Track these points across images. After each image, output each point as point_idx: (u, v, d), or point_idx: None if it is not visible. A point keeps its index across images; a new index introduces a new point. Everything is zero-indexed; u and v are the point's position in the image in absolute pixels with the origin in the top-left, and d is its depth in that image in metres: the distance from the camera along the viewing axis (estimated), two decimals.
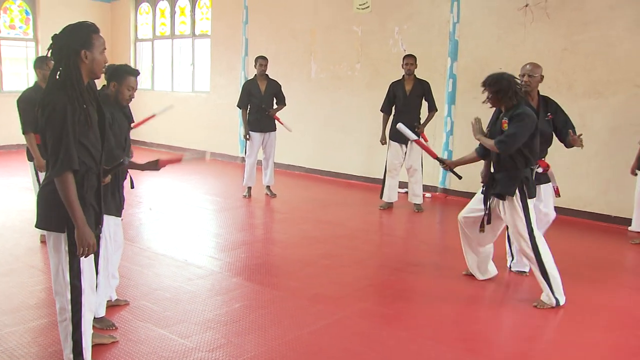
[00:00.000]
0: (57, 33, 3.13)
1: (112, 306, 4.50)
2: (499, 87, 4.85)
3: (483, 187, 5.18)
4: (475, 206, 5.30)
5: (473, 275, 5.53)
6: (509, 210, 4.92)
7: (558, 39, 8.21)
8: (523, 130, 4.73)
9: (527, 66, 5.44)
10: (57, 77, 3.09)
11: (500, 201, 4.97)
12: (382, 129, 8.46)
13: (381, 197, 8.55)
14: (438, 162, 5.43)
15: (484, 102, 5.02)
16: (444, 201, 9.29)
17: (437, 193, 9.62)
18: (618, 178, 7.54)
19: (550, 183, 5.48)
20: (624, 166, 7.18)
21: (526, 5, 8.42)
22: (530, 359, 4.06)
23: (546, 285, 4.85)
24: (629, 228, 7.14)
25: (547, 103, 5.50)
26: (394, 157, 8.35)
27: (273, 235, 7.14)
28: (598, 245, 6.97)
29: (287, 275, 5.54)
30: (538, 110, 5.33)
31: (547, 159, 5.44)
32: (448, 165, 5.38)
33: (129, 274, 5.31)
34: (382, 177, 8.62)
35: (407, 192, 8.76)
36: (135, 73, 4.28)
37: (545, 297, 4.88)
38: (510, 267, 5.75)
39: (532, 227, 4.87)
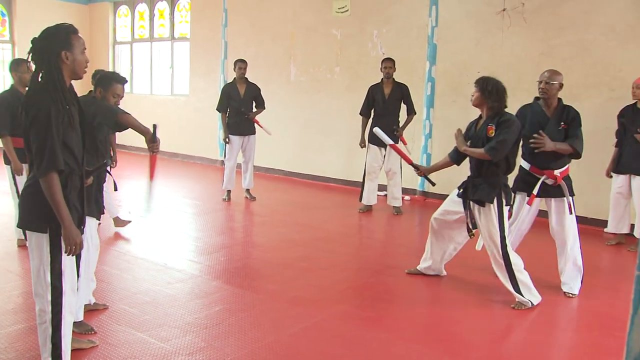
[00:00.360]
0: (36, 36, 3.13)
1: (90, 310, 4.47)
2: (485, 87, 4.92)
3: (459, 190, 5.21)
4: (449, 208, 5.35)
5: (419, 274, 5.67)
6: (484, 217, 4.96)
7: (535, 43, 8.31)
8: (512, 136, 4.78)
9: (545, 73, 5.28)
10: (40, 79, 3.10)
11: (477, 206, 5.01)
12: (361, 132, 8.49)
13: (360, 199, 8.58)
14: (412, 168, 5.45)
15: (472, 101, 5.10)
16: (423, 204, 9.35)
17: (416, 196, 9.68)
18: (594, 180, 7.64)
19: (563, 197, 5.24)
20: (600, 169, 7.28)
21: (504, 10, 8.51)
22: (509, 359, 4.10)
23: (514, 292, 4.90)
24: (605, 230, 7.23)
25: (565, 112, 5.28)
26: (373, 160, 8.39)
27: (253, 239, 7.14)
28: None
29: (267, 278, 5.54)
30: (550, 117, 5.26)
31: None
32: (422, 172, 5.44)
33: (107, 278, 5.28)
34: (361, 180, 8.65)
35: (386, 195, 8.80)
36: (123, 81, 4.32)
37: (518, 301, 4.94)
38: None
39: (504, 235, 4.89)
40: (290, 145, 11.36)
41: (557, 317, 4.80)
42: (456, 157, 5.28)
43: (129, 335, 4.17)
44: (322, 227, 7.57)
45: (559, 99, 5.31)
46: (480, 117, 5.10)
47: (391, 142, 5.79)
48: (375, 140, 8.12)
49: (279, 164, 11.60)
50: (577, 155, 5.17)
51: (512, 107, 8.54)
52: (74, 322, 3.98)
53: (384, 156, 8.34)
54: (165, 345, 4.03)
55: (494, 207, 4.89)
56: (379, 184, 8.60)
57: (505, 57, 8.60)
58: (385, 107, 8.25)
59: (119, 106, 4.36)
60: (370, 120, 8.42)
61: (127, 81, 4.39)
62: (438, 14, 9.22)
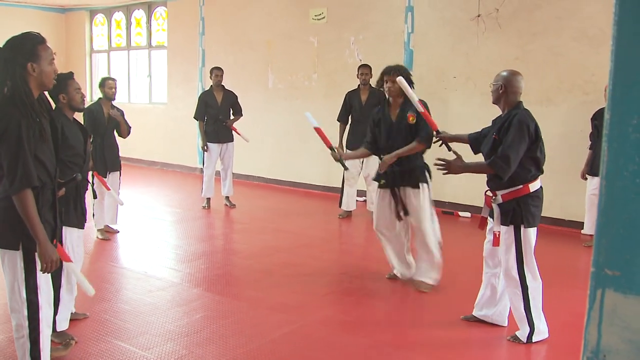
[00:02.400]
0: (1, 46, 3.05)
1: (70, 320, 4.45)
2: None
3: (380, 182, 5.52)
4: (385, 210, 5.59)
5: (397, 278, 5.73)
6: (417, 197, 5.32)
7: (510, 48, 8.41)
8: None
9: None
10: (6, 91, 3.00)
11: (410, 189, 5.34)
12: (339, 139, 8.53)
13: (340, 205, 8.61)
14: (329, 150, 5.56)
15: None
16: None
17: None
18: (570, 183, 7.74)
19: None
20: (575, 171, 7.38)
21: (478, 16, 8.61)
22: None
23: (427, 262, 5.39)
24: (582, 231, 7.34)
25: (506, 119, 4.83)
26: (352, 166, 8.42)
27: (233, 246, 7.15)
28: (553, 249, 7.14)
29: (248, 285, 5.56)
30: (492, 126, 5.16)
31: None
32: (338, 156, 5.53)
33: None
34: (340, 186, 8.70)
35: (365, 201, 8.85)
36: (71, 75, 4.31)
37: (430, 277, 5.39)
38: None
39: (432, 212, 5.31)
40: (269, 152, 11.38)
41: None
42: (372, 149, 5.67)
43: (109, 345, 4.17)
44: (303, 234, 7.60)
45: (517, 103, 4.36)
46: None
47: (316, 125, 5.80)
48: (353, 146, 8.16)
49: (258, 171, 11.61)
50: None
51: (491, 110, 8.65)
52: (56, 332, 3.99)
53: (362, 162, 8.38)
54: (146, 353, 4.04)
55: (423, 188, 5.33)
56: (358, 190, 8.64)
57: (481, 63, 8.70)
58: (363, 113, 8.29)
59: (84, 100, 4.39)
60: (348, 127, 8.48)
61: (73, 73, 4.35)
62: (414, 20, 9.30)
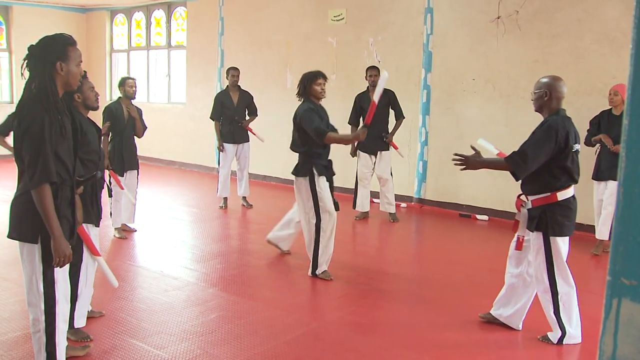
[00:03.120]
0: (34, 44, 3.13)
1: (87, 317, 4.48)
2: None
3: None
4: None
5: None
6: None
7: (529, 50, 8.35)
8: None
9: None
10: (33, 88, 3.08)
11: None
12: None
13: (354, 207, 8.59)
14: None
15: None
16: (420, 211, 9.36)
17: (413, 203, 9.70)
18: (586, 186, 7.65)
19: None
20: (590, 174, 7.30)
21: (498, 17, 8.56)
22: None
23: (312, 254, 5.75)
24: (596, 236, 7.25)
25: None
26: (364, 166, 8.44)
27: (249, 246, 7.15)
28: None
29: (263, 286, 5.56)
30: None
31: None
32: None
33: (104, 285, 5.25)
34: (354, 187, 8.70)
35: (379, 202, 8.84)
36: (84, 74, 4.34)
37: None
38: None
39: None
40: (286, 152, 11.35)
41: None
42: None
43: (125, 343, 4.18)
44: None
45: (558, 110, 4.31)
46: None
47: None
48: (364, 147, 8.22)
49: (275, 172, 11.62)
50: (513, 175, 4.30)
51: (510, 113, 8.60)
52: (72, 329, 4.01)
53: (374, 163, 8.38)
54: (161, 352, 4.05)
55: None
56: (372, 191, 8.64)
57: (500, 65, 8.64)
58: (375, 114, 8.28)
59: (98, 98, 4.42)
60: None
61: (86, 72, 4.40)
62: (433, 21, 9.26)
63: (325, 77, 6.00)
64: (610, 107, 6.86)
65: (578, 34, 7.94)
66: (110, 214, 6.99)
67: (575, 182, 4.32)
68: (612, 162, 6.68)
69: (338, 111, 10.33)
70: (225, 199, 9.14)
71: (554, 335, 4.36)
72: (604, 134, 6.73)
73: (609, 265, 1.10)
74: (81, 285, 4.16)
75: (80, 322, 4.19)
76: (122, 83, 7.09)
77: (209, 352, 4.09)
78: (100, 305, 4.79)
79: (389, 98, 8.34)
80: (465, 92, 9.00)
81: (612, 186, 6.76)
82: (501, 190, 8.60)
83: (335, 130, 5.94)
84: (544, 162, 4.14)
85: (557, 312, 4.28)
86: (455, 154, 4.39)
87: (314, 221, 5.75)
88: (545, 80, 4.36)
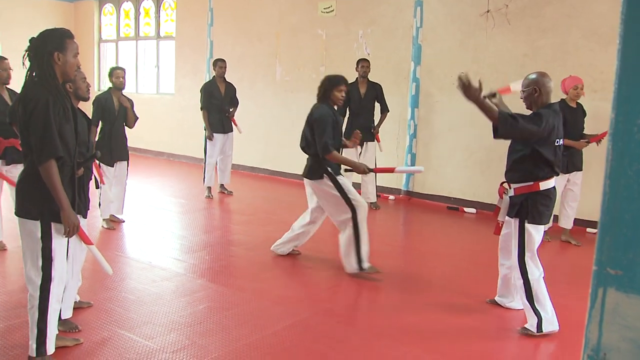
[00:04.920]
0: (35, 36, 3.39)
1: (75, 308, 4.47)
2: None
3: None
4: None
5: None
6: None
7: (519, 44, 8.39)
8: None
9: None
10: (34, 76, 3.34)
11: None
12: None
13: None
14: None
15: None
16: (407, 204, 9.40)
17: (401, 195, 9.73)
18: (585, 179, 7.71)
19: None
20: (586, 167, 7.36)
21: (487, 11, 8.59)
22: (489, 358, 4.15)
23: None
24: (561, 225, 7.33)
25: None
26: (350, 157, 8.48)
27: (237, 237, 7.15)
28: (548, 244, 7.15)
29: (251, 277, 5.57)
30: None
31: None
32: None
33: (92, 276, 5.28)
34: None
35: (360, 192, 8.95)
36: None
37: (349, 267, 5.57)
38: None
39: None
40: (275, 144, 11.39)
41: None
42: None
43: (113, 334, 4.19)
44: None
45: (548, 105, 4.40)
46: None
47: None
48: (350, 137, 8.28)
49: (263, 163, 11.63)
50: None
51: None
52: (60, 320, 4.01)
53: (360, 154, 8.46)
54: (149, 343, 4.06)
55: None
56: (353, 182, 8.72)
57: (489, 58, 8.68)
58: (362, 106, 8.44)
59: (89, 89, 4.56)
60: (346, 119, 8.55)
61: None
62: (423, 15, 9.28)
63: (347, 84, 5.87)
64: (561, 99, 6.94)
65: (567, 29, 7.98)
66: (99, 204, 6.98)
67: (557, 174, 4.42)
68: (580, 154, 6.97)
69: None
70: (210, 188, 9.26)
71: (532, 323, 4.40)
72: (571, 127, 6.82)
73: (595, 255, 1.12)
74: (68, 276, 4.16)
75: (67, 313, 4.19)
76: (111, 73, 7.08)
77: (197, 342, 4.10)
78: (88, 296, 4.78)
79: (376, 91, 8.45)
80: (454, 85, 8.94)
81: (578, 177, 7.03)
82: (489, 184, 8.65)
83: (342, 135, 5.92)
84: (524, 139, 4.23)
85: (530, 298, 4.36)
86: (462, 73, 4.23)
87: (349, 215, 5.52)
88: (532, 77, 4.41)
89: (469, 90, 4.17)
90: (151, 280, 5.36)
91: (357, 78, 8.51)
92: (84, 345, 3.96)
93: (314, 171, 5.69)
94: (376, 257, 6.27)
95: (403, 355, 4.07)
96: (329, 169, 5.60)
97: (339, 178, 5.61)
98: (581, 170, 7.05)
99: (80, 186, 4.14)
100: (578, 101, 6.98)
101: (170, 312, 4.63)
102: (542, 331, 4.37)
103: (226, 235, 7.34)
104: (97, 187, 4.78)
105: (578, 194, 7.09)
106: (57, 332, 3.64)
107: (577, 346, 4.26)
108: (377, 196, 8.95)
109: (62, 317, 4.11)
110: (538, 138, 4.21)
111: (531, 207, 4.33)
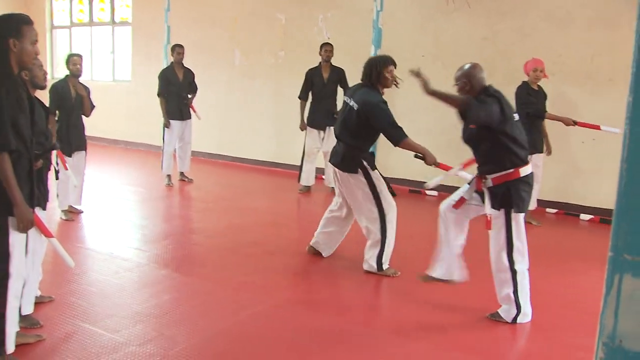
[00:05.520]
0: None
1: (36, 303, 4.33)
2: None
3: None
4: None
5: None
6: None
7: (478, 27, 8.43)
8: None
9: None
10: None
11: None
12: (300, 116, 8.61)
13: (299, 180, 8.74)
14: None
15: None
16: None
17: None
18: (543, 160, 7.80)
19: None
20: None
21: None
22: (462, 341, 4.16)
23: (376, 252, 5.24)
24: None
25: None
26: (313, 142, 8.52)
27: (199, 225, 7.05)
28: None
29: (215, 266, 5.50)
30: None
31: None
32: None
33: (53, 269, 5.11)
34: (299, 163, 8.78)
35: (323, 177, 8.99)
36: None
37: (367, 265, 5.32)
38: None
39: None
40: (234, 130, 11.28)
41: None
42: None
43: (77, 328, 4.08)
44: (267, 211, 7.59)
45: (484, 88, 4.36)
46: None
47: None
48: (314, 123, 8.30)
49: (222, 149, 11.51)
50: None
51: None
52: (21, 316, 3.89)
53: (322, 139, 8.46)
54: (115, 336, 3.96)
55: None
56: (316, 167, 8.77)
57: (449, 42, 8.70)
58: (325, 90, 8.43)
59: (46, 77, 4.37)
60: (308, 104, 8.52)
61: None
62: None
63: (395, 64, 5.30)
64: (523, 81, 7.07)
65: (525, 12, 8.05)
66: (57, 195, 6.81)
67: (528, 152, 4.35)
68: (540, 137, 7.08)
69: (286, 88, 10.28)
70: (169, 176, 9.14)
71: (508, 313, 4.36)
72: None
73: (610, 242, 1.10)
74: (28, 270, 4.03)
75: (27, 308, 4.05)
76: (67, 60, 6.87)
77: (164, 333, 4.02)
78: (49, 290, 4.64)
79: (339, 75, 8.43)
80: (415, 68, 9.01)
81: (539, 158, 7.13)
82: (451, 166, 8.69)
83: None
84: (490, 122, 4.14)
85: (515, 291, 4.29)
86: (411, 70, 4.41)
87: (377, 214, 5.22)
88: (461, 71, 4.39)
89: (426, 85, 4.26)
90: (113, 271, 5.25)
91: (320, 62, 8.47)
92: (46, 342, 3.84)
93: (347, 163, 5.24)
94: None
95: (373, 339, 4.06)
96: (364, 162, 5.21)
97: (374, 174, 5.23)
98: (542, 152, 7.15)
99: (39, 178, 4.02)
100: (539, 84, 7.07)
101: (135, 303, 4.54)
102: (515, 322, 4.36)
103: (187, 223, 7.24)
104: (57, 178, 4.63)
105: (540, 175, 7.18)
106: (17, 330, 3.50)
107: (539, 329, 4.32)
108: None
109: (23, 313, 3.97)
110: (499, 117, 4.15)
111: (515, 195, 4.20)
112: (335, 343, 4.00)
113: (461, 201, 4.56)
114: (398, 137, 5.06)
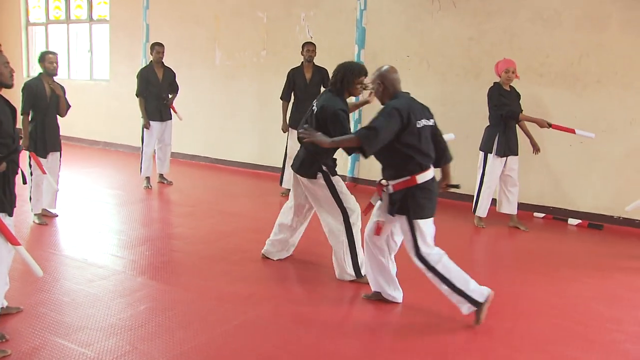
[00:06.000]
0: None
1: (2, 315, 4.10)
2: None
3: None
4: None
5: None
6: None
7: (464, 27, 8.27)
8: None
9: None
10: None
11: None
12: (282, 117, 8.40)
13: (281, 183, 8.55)
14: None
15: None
16: (353, 190, 9.16)
17: (346, 182, 9.52)
18: (527, 163, 7.65)
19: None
20: (529, 151, 7.31)
21: None
22: (446, 348, 3.99)
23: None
24: (501, 210, 7.31)
25: None
26: (295, 144, 8.27)
27: (179, 230, 6.81)
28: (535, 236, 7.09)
29: (195, 274, 5.27)
30: None
31: None
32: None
33: (20, 277, 4.84)
34: (281, 165, 8.59)
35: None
36: None
37: (343, 273, 5.20)
38: None
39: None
40: (216, 131, 11.05)
41: (497, 306, 4.75)
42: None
43: (46, 341, 3.84)
44: (249, 216, 7.37)
45: (396, 93, 4.41)
46: None
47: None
48: (296, 124, 8.04)
49: (203, 151, 11.28)
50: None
51: (445, 90, 8.50)
52: None
53: None
54: (86, 350, 3.74)
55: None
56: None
57: (435, 42, 8.54)
58: (307, 91, 8.21)
59: (13, 75, 4.04)
60: (291, 104, 8.32)
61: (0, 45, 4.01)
62: None
63: (367, 74, 5.14)
64: (494, 82, 7.02)
65: (513, 12, 7.91)
66: (30, 198, 6.56)
67: (432, 160, 4.39)
68: (515, 139, 7.02)
69: (269, 86, 10.07)
70: (148, 178, 8.91)
71: (464, 306, 4.33)
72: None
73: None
74: None
75: None
76: (42, 58, 6.60)
77: (138, 348, 3.80)
78: (17, 300, 4.38)
79: (322, 76, 8.24)
80: (399, 69, 8.72)
81: (514, 161, 7.06)
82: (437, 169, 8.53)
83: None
84: (390, 139, 4.18)
85: (448, 284, 4.30)
86: (302, 130, 4.62)
87: (341, 218, 5.12)
88: (375, 73, 4.46)
89: (315, 135, 4.49)
90: (87, 279, 5.01)
91: (302, 62, 8.27)
92: (12, 357, 3.60)
93: (306, 167, 5.19)
94: (323, 248, 6.02)
95: (357, 351, 3.88)
96: (324, 167, 5.14)
97: (334, 178, 5.17)
98: (517, 155, 7.03)
99: (5, 182, 3.78)
100: (511, 84, 6.98)
101: (109, 314, 4.31)
102: (480, 306, 4.28)
103: (167, 228, 6.99)
104: (24, 182, 4.35)
105: (516, 178, 7.08)
106: None
107: (524, 336, 4.15)
108: None
109: None
110: (402, 129, 4.18)
111: (411, 202, 4.28)
112: (318, 357, 3.81)
113: (378, 227, 4.56)
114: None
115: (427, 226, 4.33)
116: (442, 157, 4.54)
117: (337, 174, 5.24)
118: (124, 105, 12.13)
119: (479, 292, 4.30)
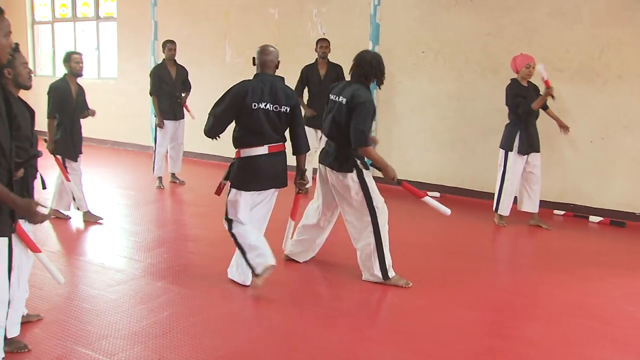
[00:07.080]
0: None
1: (22, 323, 3.96)
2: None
3: None
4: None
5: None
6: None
7: (481, 22, 8.12)
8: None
9: None
10: None
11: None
12: None
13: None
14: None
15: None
16: None
17: None
18: (549, 157, 7.51)
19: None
20: (551, 146, 7.18)
21: None
22: (479, 354, 3.86)
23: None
24: (521, 209, 7.18)
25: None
26: (310, 141, 8.11)
27: (195, 232, 6.67)
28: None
29: (216, 277, 5.13)
30: None
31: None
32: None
33: (39, 284, 4.72)
34: (295, 164, 8.43)
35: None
36: (16, 47, 3.79)
37: (370, 275, 5.05)
38: None
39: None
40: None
41: (528, 309, 4.62)
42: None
43: (68, 351, 3.71)
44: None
45: (258, 74, 5.22)
46: None
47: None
48: (310, 122, 7.92)
49: (215, 150, 11.13)
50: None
51: (461, 87, 8.34)
52: (6, 339, 3.52)
53: (320, 138, 8.07)
54: None
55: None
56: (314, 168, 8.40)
57: (451, 37, 8.39)
58: (322, 88, 8.02)
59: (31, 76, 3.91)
60: (305, 101, 8.22)
61: (18, 44, 3.85)
62: None
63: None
64: (512, 78, 6.90)
65: (531, 6, 7.77)
66: (74, 199, 6.64)
67: (266, 141, 4.85)
68: (536, 135, 6.89)
69: None
70: (161, 178, 8.80)
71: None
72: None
73: None
74: (13, 288, 3.66)
75: (13, 330, 3.67)
76: (68, 58, 6.48)
77: (166, 357, 3.66)
78: (36, 308, 4.26)
79: (337, 72, 8.10)
80: (414, 65, 8.71)
81: (537, 158, 6.91)
82: (453, 166, 8.41)
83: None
84: (230, 118, 4.87)
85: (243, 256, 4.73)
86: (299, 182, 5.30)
87: (368, 218, 4.94)
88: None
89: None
90: (106, 284, 4.88)
91: (316, 59, 8.15)
92: None
93: (342, 162, 4.99)
94: (340, 249, 5.87)
95: (387, 356, 3.75)
96: (358, 162, 4.95)
97: (366, 176, 4.96)
98: (539, 151, 6.89)
99: (23, 188, 3.64)
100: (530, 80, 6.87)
101: (131, 322, 4.18)
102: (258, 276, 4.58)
103: (182, 229, 6.86)
104: (44, 187, 4.21)
105: (539, 176, 6.94)
106: (2, 357, 3.13)
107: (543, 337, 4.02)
108: None
109: (8, 336, 3.60)
110: (238, 109, 4.80)
111: (232, 172, 4.83)
112: None
113: (219, 187, 5.04)
114: (358, 142, 4.81)
115: (240, 197, 4.83)
116: (295, 145, 5.08)
117: (369, 168, 5.06)
118: (132, 104, 12.01)
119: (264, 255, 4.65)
